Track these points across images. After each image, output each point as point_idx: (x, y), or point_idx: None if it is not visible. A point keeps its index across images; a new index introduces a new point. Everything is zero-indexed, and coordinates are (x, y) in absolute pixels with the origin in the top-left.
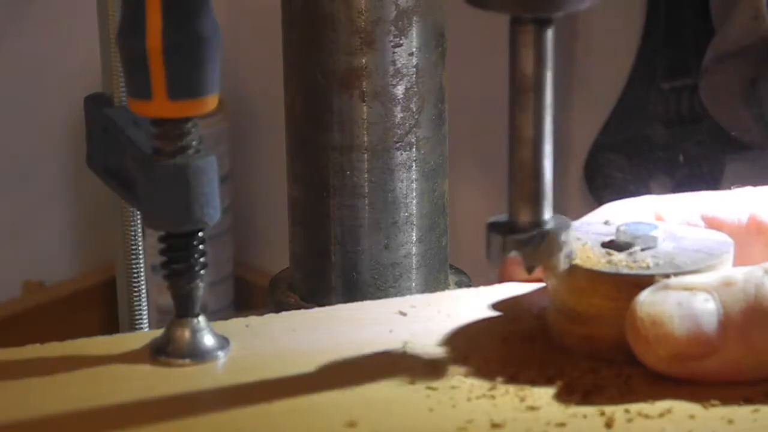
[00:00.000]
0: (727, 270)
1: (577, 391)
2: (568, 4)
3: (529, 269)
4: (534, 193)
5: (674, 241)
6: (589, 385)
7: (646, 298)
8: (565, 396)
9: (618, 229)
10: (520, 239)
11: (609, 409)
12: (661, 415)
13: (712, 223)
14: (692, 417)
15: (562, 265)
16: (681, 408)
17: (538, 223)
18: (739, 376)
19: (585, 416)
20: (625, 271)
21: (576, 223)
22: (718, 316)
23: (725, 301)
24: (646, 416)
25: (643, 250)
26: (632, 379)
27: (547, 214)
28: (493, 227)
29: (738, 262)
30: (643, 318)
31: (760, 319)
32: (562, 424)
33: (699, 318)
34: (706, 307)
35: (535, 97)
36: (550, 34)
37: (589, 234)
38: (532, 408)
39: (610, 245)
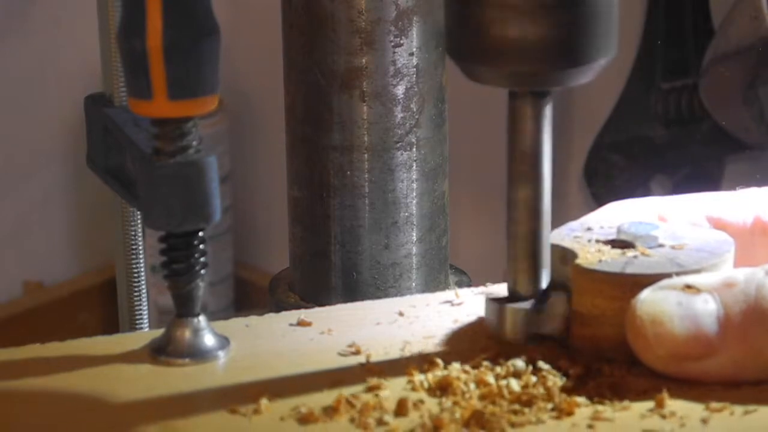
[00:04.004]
0: (729, 271)
1: (580, 389)
2: (564, 80)
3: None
4: (532, 264)
5: (675, 240)
6: (592, 384)
7: (646, 296)
8: (568, 394)
9: (619, 229)
10: (519, 308)
11: (612, 407)
12: (662, 415)
13: (716, 225)
14: (690, 417)
15: (560, 330)
16: (681, 407)
17: (535, 292)
18: (738, 377)
19: (589, 416)
20: (627, 270)
21: (576, 223)
22: (718, 316)
23: (726, 302)
24: (646, 415)
25: (644, 249)
26: (634, 378)
27: (545, 283)
28: (493, 301)
29: (741, 263)
30: (643, 317)
31: (759, 320)
32: (563, 422)
33: (699, 318)
34: (706, 308)
35: (533, 170)
36: (548, 106)
37: (591, 234)
38: (535, 406)
39: (611, 245)
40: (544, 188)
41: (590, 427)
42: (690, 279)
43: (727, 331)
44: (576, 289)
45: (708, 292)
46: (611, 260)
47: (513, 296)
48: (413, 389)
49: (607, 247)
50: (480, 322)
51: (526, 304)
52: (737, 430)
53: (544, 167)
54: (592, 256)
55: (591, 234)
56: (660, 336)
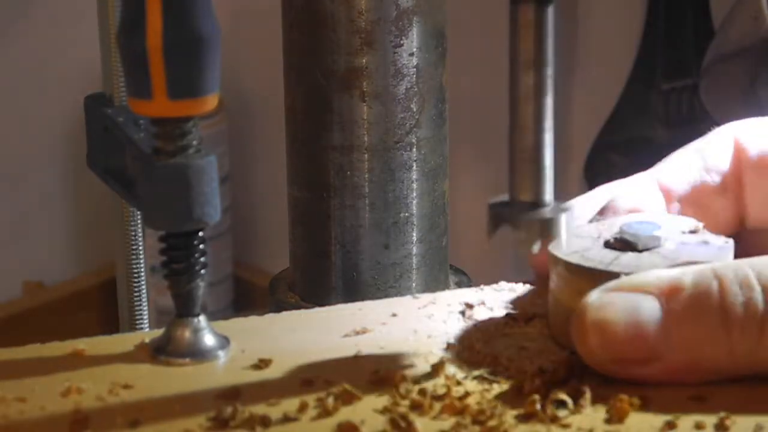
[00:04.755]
0: (679, 271)
1: (582, 390)
2: None
3: (525, 250)
4: (534, 174)
5: (676, 240)
6: (594, 384)
7: (593, 300)
8: (565, 394)
9: (621, 230)
10: (518, 217)
11: (616, 406)
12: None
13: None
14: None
15: (561, 246)
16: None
17: (537, 204)
18: (681, 381)
19: (590, 416)
20: (627, 271)
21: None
22: (662, 322)
23: (671, 308)
24: (647, 411)
25: (645, 250)
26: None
27: (548, 196)
28: (494, 207)
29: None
30: (587, 323)
31: (703, 327)
32: (565, 426)
33: (643, 324)
34: (651, 314)
35: (535, 78)
36: (550, 12)
37: (591, 234)
38: (537, 406)
39: (612, 245)
40: (546, 97)
41: None
42: (640, 279)
43: (670, 338)
44: (576, 289)
45: (654, 297)
46: (612, 261)
47: (513, 207)
48: (418, 391)
49: (608, 248)
50: (482, 321)
51: (525, 214)
52: None
53: (546, 76)
54: (593, 256)
55: (591, 234)
56: (604, 340)
